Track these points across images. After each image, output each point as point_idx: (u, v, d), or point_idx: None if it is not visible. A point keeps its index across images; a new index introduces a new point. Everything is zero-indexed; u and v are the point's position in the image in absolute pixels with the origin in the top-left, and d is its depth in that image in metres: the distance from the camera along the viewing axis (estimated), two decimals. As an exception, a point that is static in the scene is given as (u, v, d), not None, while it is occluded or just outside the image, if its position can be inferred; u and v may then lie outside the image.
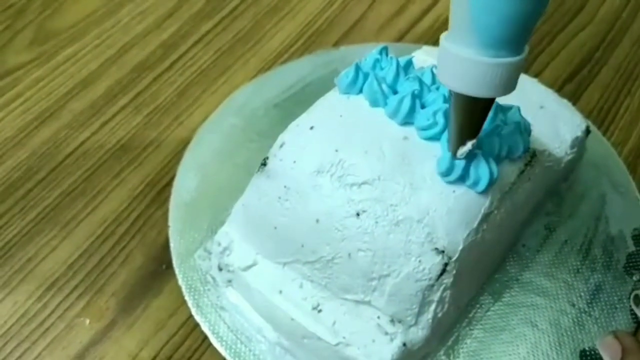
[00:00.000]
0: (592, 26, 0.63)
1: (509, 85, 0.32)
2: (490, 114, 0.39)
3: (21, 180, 0.52)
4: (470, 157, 0.37)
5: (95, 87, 0.58)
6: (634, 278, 0.45)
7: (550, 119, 0.47)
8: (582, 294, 0.45)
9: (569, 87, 0.59)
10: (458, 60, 0.31)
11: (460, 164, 0.37)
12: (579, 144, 0.47)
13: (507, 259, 0.46)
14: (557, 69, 0.60)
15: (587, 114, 0.55)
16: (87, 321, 0.44)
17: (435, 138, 0.38)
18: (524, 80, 0.51)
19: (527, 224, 0.47)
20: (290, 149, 0.40)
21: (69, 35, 0.62)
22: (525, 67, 0.57)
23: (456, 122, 0.35)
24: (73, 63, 0.60)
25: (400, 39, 0.62)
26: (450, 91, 0.34)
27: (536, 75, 0.58)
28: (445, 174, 0.37)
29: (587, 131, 0.48)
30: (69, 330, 0.44)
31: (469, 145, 0.35)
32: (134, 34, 0.62)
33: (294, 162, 0.40)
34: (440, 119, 0.38)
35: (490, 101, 0.34)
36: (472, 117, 0.34)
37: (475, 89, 0.32)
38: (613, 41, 0.62)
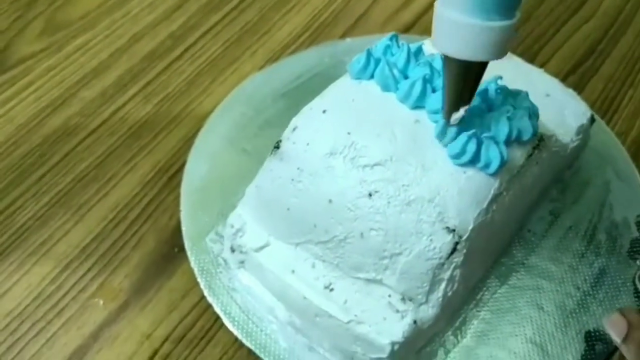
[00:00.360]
0: (595, 19, 0.64)
1: (501, 49, 0.33)
2: (500, 97, 0.40)
3: (34, 166, 0.52)
4: (480, 140, 0.38)
5: (106, 76, 0.59)
6: (638, 263, 0.46)
7: (556, 106, 0.48)
8: (587, 277, 0.46)
9: (573, 78, 0.60)
10: (453, 25, 0.33)
11: (471, 148, 0.38)
12: (584, 132, 0.48)
13: (514, 244, 0.47)
14: (561, 61, 0.61)
15: (591, 105, 0.55)
16: (101, 302, 0.45)
17: (446, 121, 0.39)
18: (531, 69, 0.53)
19: (533, 210, 0.48)
20: (303, 132, 0.41)
21: (79, 25, 0.63)
22: (530, 58, 0.59)
23: (450, 89, 0.36)
24: (84, 52, 0.61)
25: (405, 32, 0.63)
26: (443, 58, 0.35)
27: (541, 66, 0.59)
28: (457, 157, 0.38)
29: (592, 119, 0.49)
30: (83, 310, 0.45)
31: (462, 111, 0.36)
32: (143, 24, 0.63)
33: (307, 144, 0.40)
34: (451, 102, 0.39)
35: (482, 66, 0.35)
36: (465, 82, 0.36)
37: (469, 53, 0.33)
38: (616, 33, 0.63)
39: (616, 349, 0.40)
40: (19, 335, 0.43)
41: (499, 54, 0.34)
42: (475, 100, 0.39)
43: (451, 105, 0.37)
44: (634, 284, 0.44)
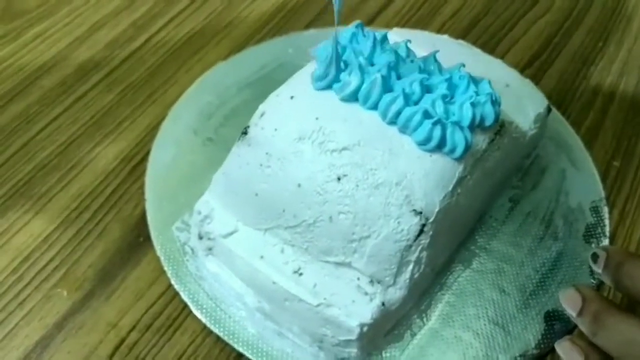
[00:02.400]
0: (550, 14, 0.66)
1: None
2: (464, 84, 0.41)
3: (-8, 155, 0.51)
4: (445, 125, 0.39)
5: (66, 64, 0.58)
6: (593, 246, 0.48)
7: (515, 96, 0.49)
8: (545, 260, 0.47)
9: (529, 71, 0.61)
10: None
11: (437, 134, 0.38)
12: (541, 120, 0.50)
13: (476, 230, 0.48)
14: (519, 54, 0.63)
15: (547, 96, 0.57)
16: (65, 292, 0.44)
17: (412, 106, 0.40)
18: (491, 60, 0.54)
19: (494, 197, 0.50)
20: (271, 117, 0.41)
21: (37, 13, 0.62)
22: (489, 51, 0.60)
23: None
24: (42, 40, 0.60)
25: (370, 23, 0.64)
26: None
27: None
28: (423, 143, 0.39)
29: (549, 109, 0.51)
30: (46, 301, 0.44)
31: None
32: (105, 12, 0.62)
33: (276, 129, 0.41)
34: (417, 88, 0.40)
35: None
36: None
37: None
38: (570, 29, 0.65)
39: (575, 327, 0.41)
40: (-21, 327, 0.42)
41: None
42: (441, 87, 0.41)
43: None
44: (590, 266, 0.45)
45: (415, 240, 0.38)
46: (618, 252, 0.41)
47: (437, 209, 0.38)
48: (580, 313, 0.38)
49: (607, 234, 0.49)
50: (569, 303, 0.39)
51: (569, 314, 0.39)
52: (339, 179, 0.39)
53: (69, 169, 0.51)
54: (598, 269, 0.41)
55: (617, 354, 0.37)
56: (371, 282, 0.39)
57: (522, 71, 0.60)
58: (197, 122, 0.54)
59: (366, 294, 0.39)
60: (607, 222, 0.50)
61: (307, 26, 0.63)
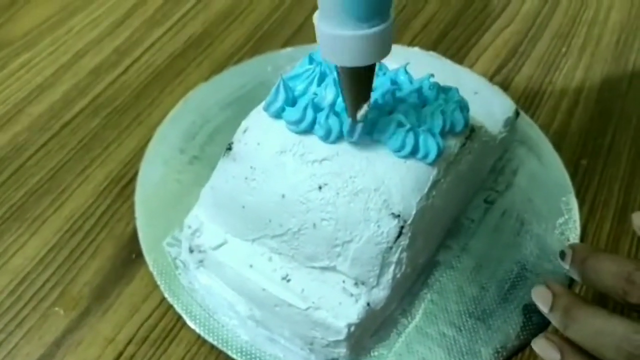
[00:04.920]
0: (515, 23, 0.70)
1: (385, 49, 0.36)
2: (433, 93, 0.44)
3: (-16, 183, 0.53)
4: (417, 133, 0.41)
5: (52, 92, 0.60)
6: (565, 241, 0.51)
7: (484, 102, 0.52)
8: (521, 257, 0.50)
9: (497, 78, 0.64)
10: (335, 39, 0.34)
11: (410, 141, 0.41)
12: (511, 124, 0.53)
13: (454, 231, 0.51)
14: (486, 64, 0.66)
15: (516, 101, 0.60)
16: (62, 311, 0.46)
17: (386, 117, 0.42)
18: (459, 69, 0.57)
19: (469, 198, 0.52)
20: (253, 132, 0.43)
21: (21, 43, 0.64)
22: (458, 61, 0.63)
23: (349, 92, 0.38)
24: (28, 70, 0.61)
25: (343, 39, 0.67)
26: (335, 66, 0.38)
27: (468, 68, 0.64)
28: (398, 150, 0.41)
29: (517, 113, 0.54)
30: (44, 320, 0.45)
31: (365, 107, 0.39)
32: (87, 40, 0.64)
33: (258, 144, 0.43)
34: (390, 100, 0.42)
35: (372, 66, 0.37)
36: (360, 84, 0.38)
37: (356, 60, 0.35)
38: (534, 37, 0.69)
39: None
40: (-21, 349, 0.44)
41: (384, 54, 0.36)
42: (412, 97, 0.43)
43: (353, 106, 0.39)
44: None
45: (395, 242, 0.40)
46: (583, 248, 0.43)
47: (414, 212, 0.41)
48: (551, 308, 0.41)
49: (578, 228, 0.52)
50: (540, 299, 0.42)
51: (541, 310, 0.41)
52: (320, 187, 0.41)
53: (60, 192, 0.52)
54: (566, 266, 0.43)
55: (588, 345, 0.38)
56: (356, 284, 0.41)
57: (490, 79, 0.64)
58: (183, 142, 0.56)
59: (352, 295, 0.41)
60: (577, 217, 0.52)
61: (284, 45, 0.66)
